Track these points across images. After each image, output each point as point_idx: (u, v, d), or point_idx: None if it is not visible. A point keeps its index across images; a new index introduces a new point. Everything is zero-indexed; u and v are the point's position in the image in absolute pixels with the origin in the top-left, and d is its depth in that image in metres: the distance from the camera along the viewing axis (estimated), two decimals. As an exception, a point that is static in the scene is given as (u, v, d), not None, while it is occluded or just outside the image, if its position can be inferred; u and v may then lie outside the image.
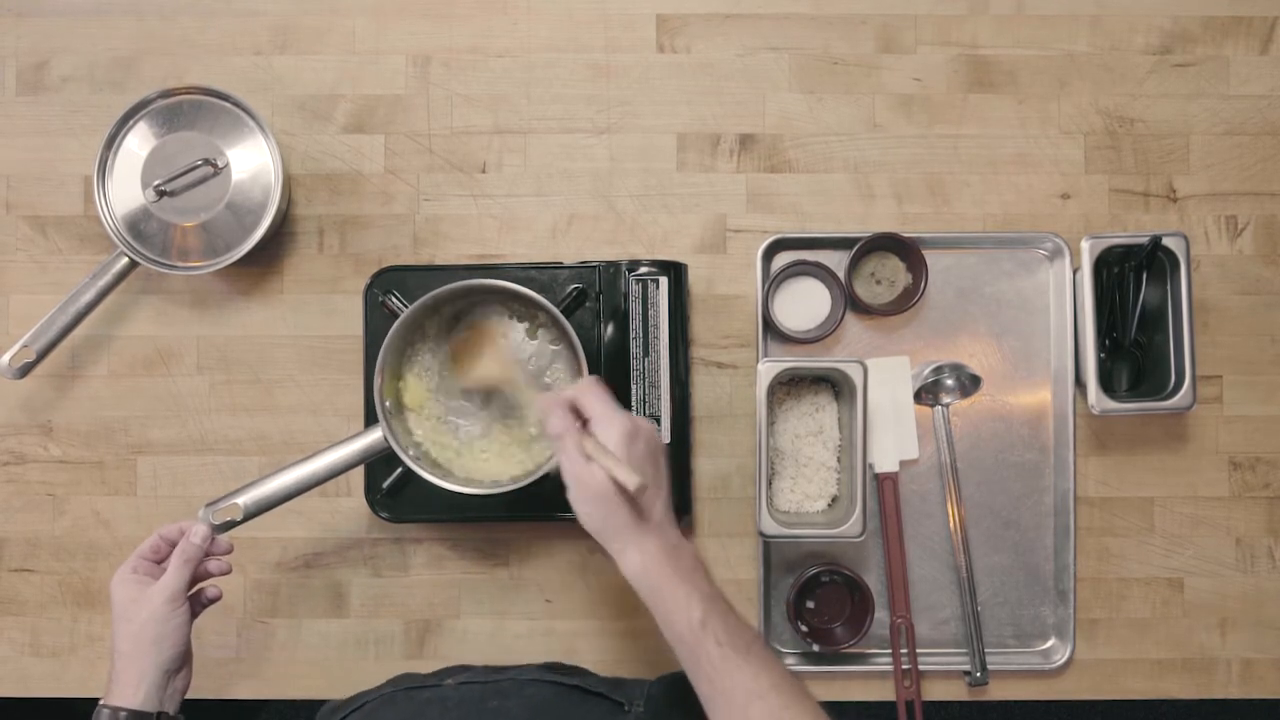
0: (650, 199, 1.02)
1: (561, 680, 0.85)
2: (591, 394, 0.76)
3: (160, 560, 0.83)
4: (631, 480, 0.71)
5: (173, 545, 0.83)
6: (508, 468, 0.94)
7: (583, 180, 1.02)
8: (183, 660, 0.81)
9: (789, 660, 1.00)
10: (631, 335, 0.95)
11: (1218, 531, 1.02)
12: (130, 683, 0.78)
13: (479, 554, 1.01)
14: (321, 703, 0.91)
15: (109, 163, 0.96)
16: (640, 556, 0.72)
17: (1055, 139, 1.03)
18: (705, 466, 1.01)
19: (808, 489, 0.98)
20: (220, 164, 0.95)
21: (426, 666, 0.95)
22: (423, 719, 0.79)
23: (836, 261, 1.00)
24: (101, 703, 0.78)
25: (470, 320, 0.96)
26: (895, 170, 1.02)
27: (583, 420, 0.76)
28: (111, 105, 0.98)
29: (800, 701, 0.68)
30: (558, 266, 0.96)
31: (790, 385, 0.99)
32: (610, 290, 0.95)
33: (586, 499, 0.73)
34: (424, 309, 0.92)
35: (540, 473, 0.89)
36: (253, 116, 0.96)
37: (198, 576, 0.83)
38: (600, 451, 0.73)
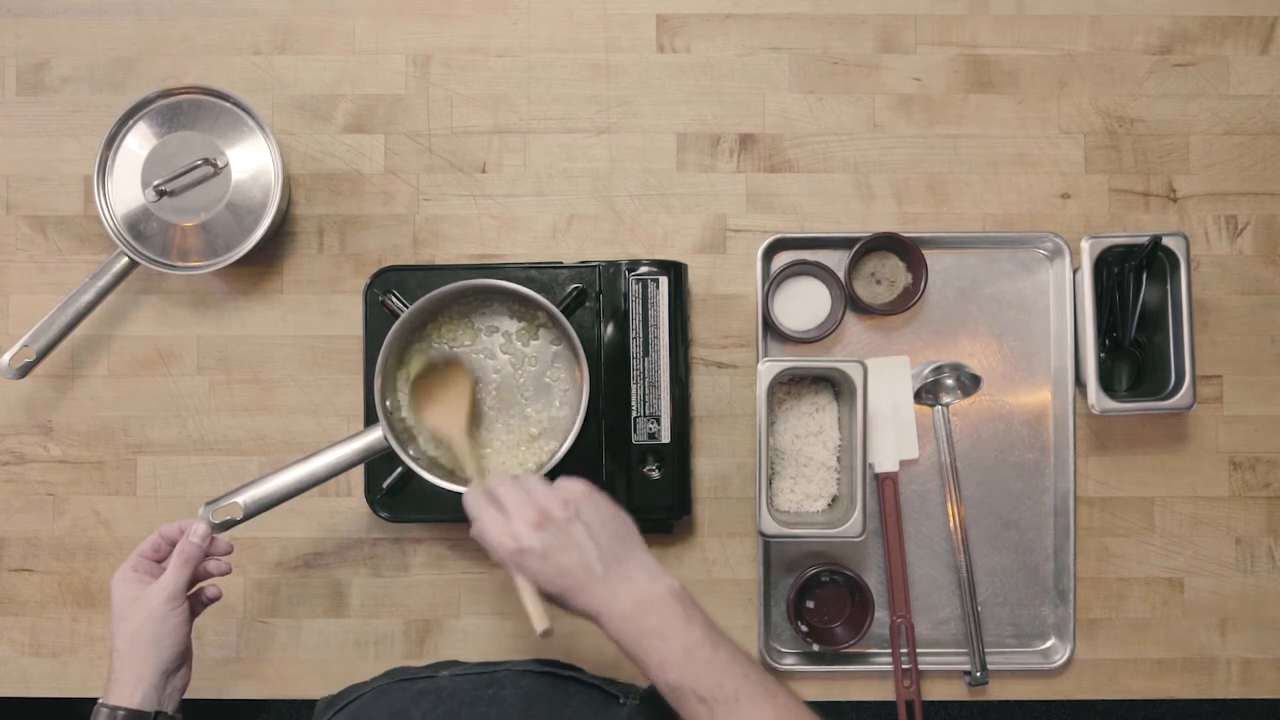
0: (650, 199, 1.02)
1: (556, 671, 0.85)
2: (478, 515, 0.76)
3: (161, 559, 0.83)
4: (538, 625, 0.71)
5: (173, 544, 0.83)
6: (509, 466, 0.94)
7: (583, 180, 1.03)
8: (181, 660, 0.81)
9: (788, 660, 1.00)
10: (631, 335, 0.95)
11: (1218, 531, 1.02)
12: (128, 682, 0.78)
13: (479, 554, 1.01)
14: (321, 703, 0.91)
15: (109, 163, 0.96)
16: (608, 628, 0.71)
17: (1055, 139, 1.03)
18: (705, 466, 1.01)
19: (808, 489, 0.98)
20: (220, 164, 0.95)
21: (419, 665, 0.95)
22: (417, 709, 0.79)
23: (836, 261, 1.00)
24: (100, 702, 0.78)
25: (443, 354, 0.95)
26: (895, 170, 1.02)
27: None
28: (111, 105, 0.98)
29: None
30: (558, 266, 0.96)
31: (790, 385, 0.99)
32: (610, 290, 0.95)
33: (533, 595, 0.73)
34: (424, 309, 0.92)
35: (541, 472, 0.89)
36: (253, 116, 0.96)
37: (197, 576, 0.83)
38: (517, 581, 0.73)
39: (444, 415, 0.90)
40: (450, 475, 0.91)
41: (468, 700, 0.79)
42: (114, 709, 0.77)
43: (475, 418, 0.94)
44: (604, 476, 0.95)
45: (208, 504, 0.86)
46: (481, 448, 0.95)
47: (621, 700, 0.83)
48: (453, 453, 0.90)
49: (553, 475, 0.81)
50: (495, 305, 0.96)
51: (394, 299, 0.95)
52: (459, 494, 0.87)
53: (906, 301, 0.99)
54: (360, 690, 0.86)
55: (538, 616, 0.72)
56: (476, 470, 0.84)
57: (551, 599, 0.73)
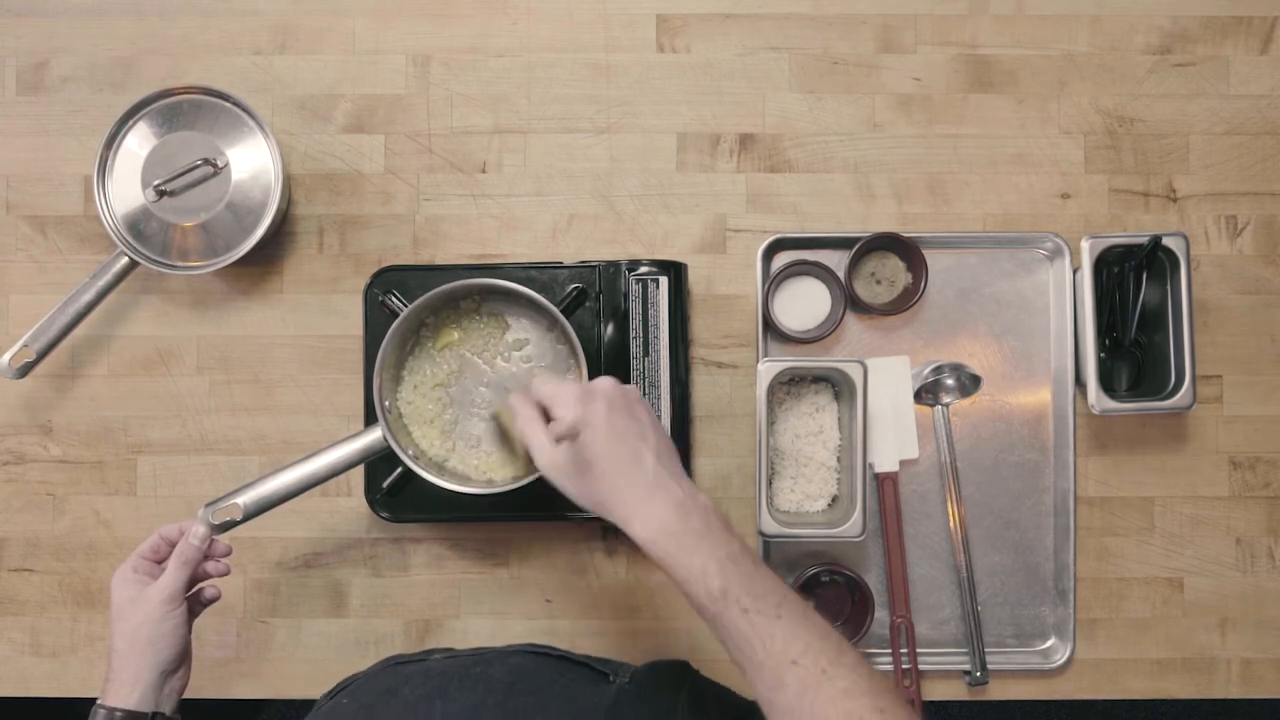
0: (650, 199, 1.02)
1: (547, 652, 0.85)
2: (540, 382, 0.75)
3: (160, 560, 0.83)
4: (564, 424, 0.69)
5: (173, 545, 0.83)
6: (508, 467, 0.94)
7: (583, 180, 1.03)
8: (179, 661, 0.81)
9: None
10: (631, 335, 0.95)
11: (1218, 531, 1.02)
12: (126, 682, 0.78)
13: (479, 554, 1.01)
14: (321, 703, 0.91)
15: (109, 163, 0.96)
16: (643, 527, 0.68)
17: (1055, 139, 1.03)
18: (705, 466, 1.01)
19: (808, 489, 0.98)
20: (220, 164, 0.95)
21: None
22: (408, 687, 0.79)
23: (836, 261, 1.00)
24: (98, 702, 0.78)
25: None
26: (895, 170, 1.02)
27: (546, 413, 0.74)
28: (111, 105, 0.98)
29: (839, 659, 0.62)
30: (558, 266, 0.96)
31: (790, 385, 0.99)
32: (610, 290, 0.95)
33: (565, 479, 0.71)
34: (423, 308, 0.92)
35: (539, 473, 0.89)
36: (253, 116, 0.96)
37: (197, 577, 0.83)
38: (557, 429, 0.71)
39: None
40: (446, 473, 0.91)
41: (456, 677, 0.79)
42: (111, 710, 0.77)
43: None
44: (604, 476, 0.95)
45: (207, 505, 0.86)
46: (471, 446, 0.95)
47: (611, 678, 0.82)
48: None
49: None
50: (498, 305, 0.96)
51: (394, 299, 0.95)
52: (459, 494, 0.88)
53: (906, 301, 0.99)
54: (355, 678, 0.87)
55: (560, 429, 0.70)
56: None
57: (588, 482, 0.70)
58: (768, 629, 0.63)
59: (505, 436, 0.88)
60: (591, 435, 0.70)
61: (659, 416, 0.95)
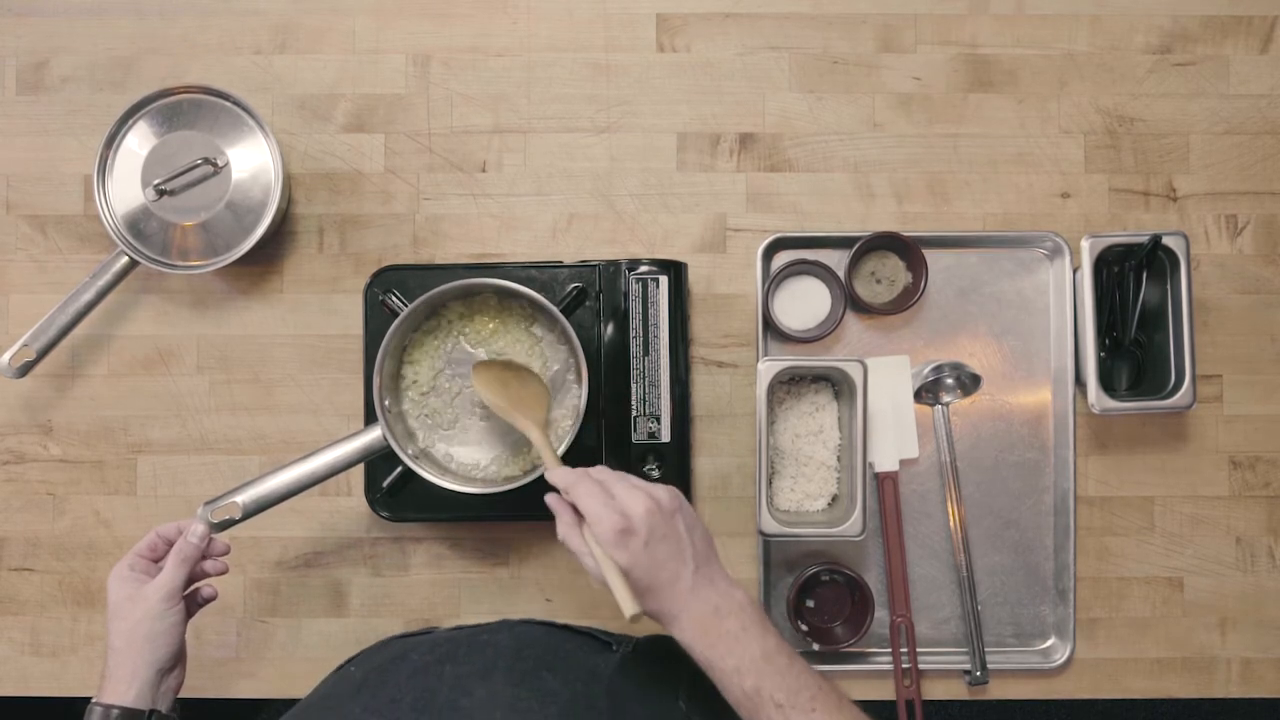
0: (650, 198, 1.02)
1: (551, 623, 0.87)
2: (581, 489, 0.73)
3: (158, 559, 0.83)
4: (627, 609, 0.70)
5: (170, 544, 0.83)
6: (508, 467, 0.94)
7: (583, 180, 1.03)
8: (176, 659, 0.81)
9: (789, 660, 1.00)
10: (631, 335, 0.95)
11: (1218, 531, 1.02)
12: (123, 680, 0.78)
13: (479, 554, 1.01)
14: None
15: (109, 162, 0.96)
16: (682, 633, 0.71)
17: (1055, 138, 1.03)
18: (705, 466, 1.01)
19: (808, 488, 0.98)
20: (220, 163, 0.95)
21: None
22: (415, 653, 0.80)
23: (836, 261, 1.00)
24: (94, 700, 0.78)
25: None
26: (895, 170, 1.02)
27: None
28: (111, 105, 0.98)
29: None
30: (558, 266, 0.96)
31: (790, 384, 0.99)
32: (610, 290, 0.95)
33: (620, 578, 0.72)
34: (423, 308, 0.92)
35: (540, 472, 0.89)
36: (253, 116, 0.96)
37: (194, 576, 0.83)
38: (605, 563, 0.71)
39: (518, 406, 0.88)
40: (446, 473, 0.91)
41: (464, 644, 0.80)
42: (108, 707, 0.77)
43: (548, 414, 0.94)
44: (604, 476, 0.95)
45: (206, 504, 0.86)
46: (471, 445, 0.95)
47: (614, 648, 0.84)
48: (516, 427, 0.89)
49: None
50: (496, 305, 0.96)
51: (394, 298, 0.95)
52: (459, 493, 0.88)
53: (906, 301, 0.99)
54: (360, 653, 0.88)
55: (626, 600, 0.70)
56: (555, 459, 0.82)
57: (636, 590, 0.71)
58: None
59: (500, 412, 0.88)
60: (635, 572, 0.71)
61: (659, 416, 0.95)
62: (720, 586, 0.72)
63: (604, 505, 0.72)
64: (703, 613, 0.71)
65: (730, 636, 0.70)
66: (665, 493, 0.74)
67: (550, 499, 0.78)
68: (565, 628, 0.86)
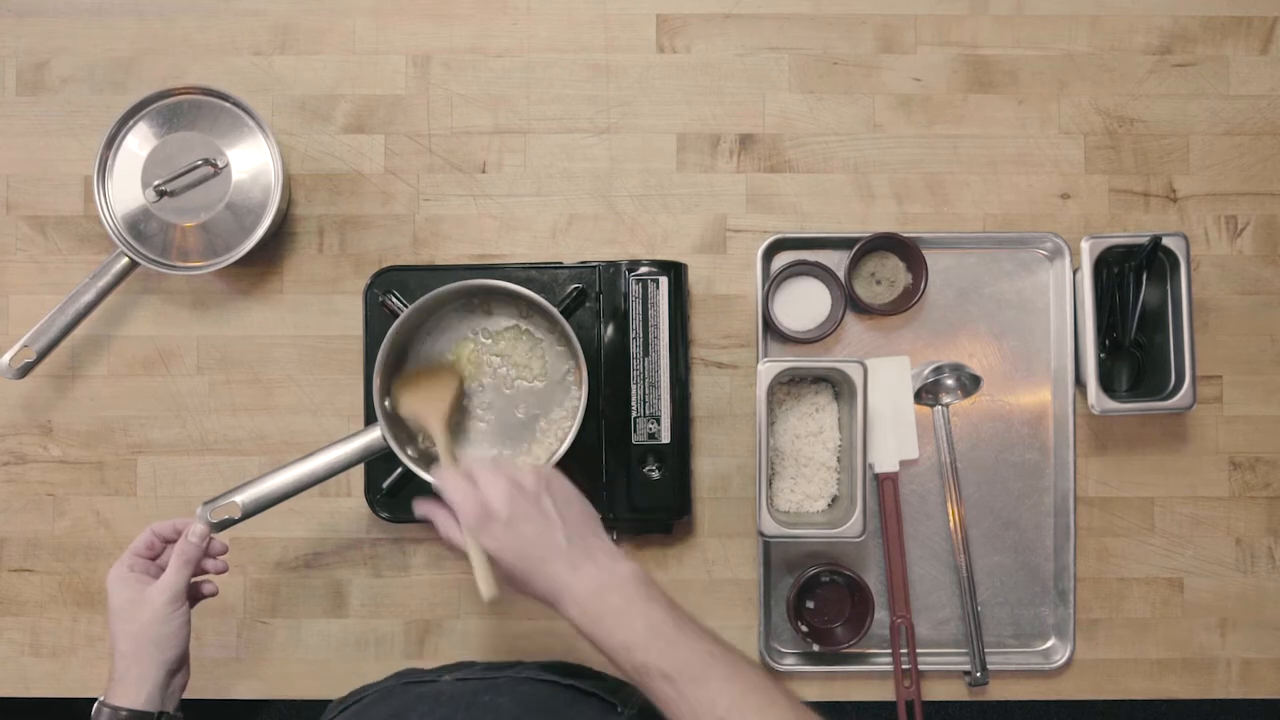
0: (650, 199, 1.02)
1: (558, 680, 0.85)
2: (447, 484, 0.75)
3: (155, 557, 0.83)
4: (485, 591, 0.71)
5: (166, 542, 0.83)
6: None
7: (583, 180, 1.02)
8: (183, 659, 0.81)
9: (788, 660, 1.00)
10: (631, 335, 0.95)
11: (1218, 531, 1.02)
12: (132, 682, 0.77)
13: (479, 554, 1.01)
14: (322, 703, 0.91)
15: (109, 163, 0.96)
16: (568, 613, 0.70)
17: (1055, 139, 1.03)
18: (705, 466, 1.01)
19: (808, 489, 0.98)
20: (220, 164, 0.95)
21: (427, 666, 0.95)
22: (414, 713, 0.79)
23: (836, 261, 1.00)
24: (101, 701, 0.78)
25: (437, 361, 0.95)
26: (895, 170, 1.02)
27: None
28: (111, 105, 0.98)
29: (768, 709, 0.64)
30: (557, 266, 0.96)
31: (790, 385, 0.99)
32: (610, 290, 0.95)
33: (509, 591, 0.73)
34: (423, 309, 0.92)
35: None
36: (253, 116, 0.96)
37: (195, 574, 0.83)
38: (471, 549, 0.72)
39: (424, 403, 0.89)
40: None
41: (464, 704, 0.79)
42: (116, 709, 0.77)
43: (457, 415, 0.94)
44: (604, 476, 0.95)
45: (205, 503, 0.86)
46: (472, 446, 0.95)
47: (619, 710, 0.82)
48: (429, 438, 0.90)
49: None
50: (497, 305, 0.96)
51: (394, 299, 0.95)
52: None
53: (906, 301, 0.99)
54: (367, 691, 0.87)
55: (486, 582, 0.71)
56: (450, 457, 0.84)
57: (510, 578, 0.72)
58: (692, 693, 0.65)
59: (413, 421, 0.91)
60: (502, 555, 0.71)
61: (659, 416, 0.95)
62: (601, 561, 0.71)
63: (465, 494, 0.72)
64: (584, 590, 0.70)
65: (614, 612, 0.68)
66: (530, 474, 0.74)
67: (419, 506, 0.78)
68: (571, 687, 0.85)
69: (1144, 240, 0.96)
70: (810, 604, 0.99)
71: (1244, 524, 1.02)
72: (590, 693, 0.84)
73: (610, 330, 0.95)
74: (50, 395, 1.02)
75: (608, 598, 0.70)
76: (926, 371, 0.99)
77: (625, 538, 1.00)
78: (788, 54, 1.03)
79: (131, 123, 0.96)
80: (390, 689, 0.86)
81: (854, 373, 0.93)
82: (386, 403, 0.91)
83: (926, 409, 1.00)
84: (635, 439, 0.94)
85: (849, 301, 0.99)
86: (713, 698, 0.65)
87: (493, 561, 0.73)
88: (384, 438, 0.88)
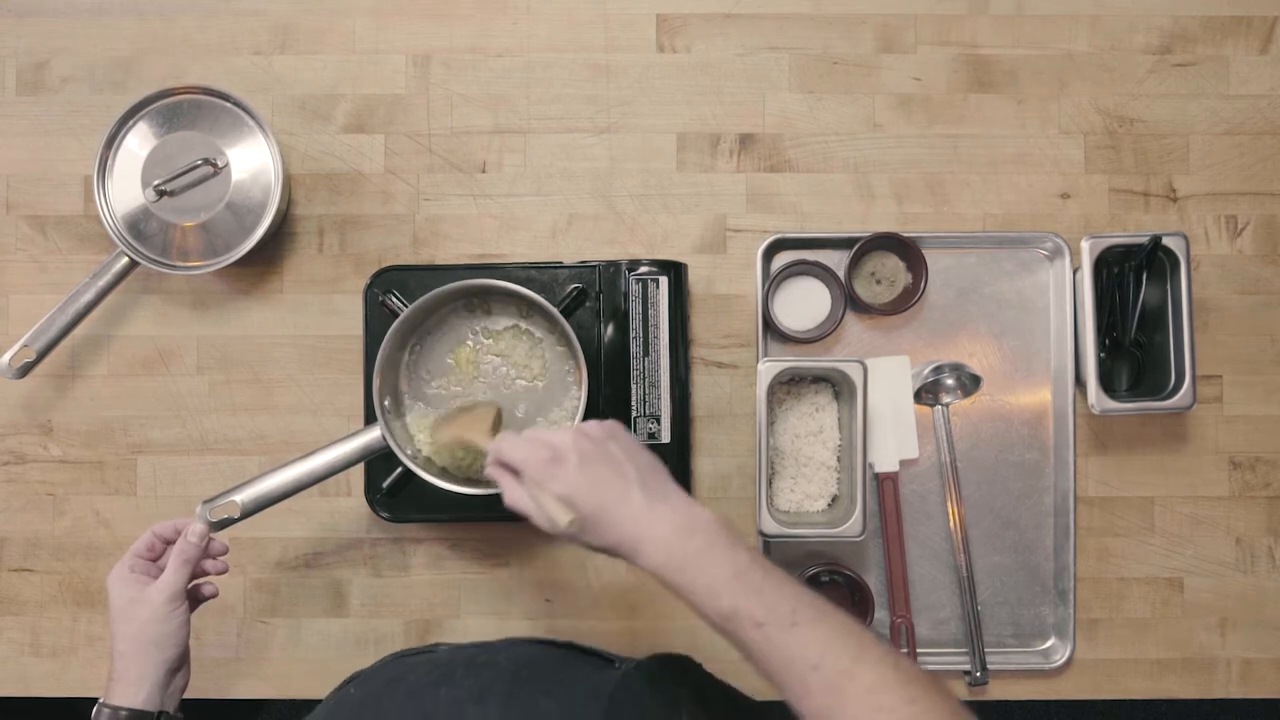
0: (650, 199, 1.02)
1: (552, 641, 0.85)
2: (505, 445, 0.71)
3: (156, 558, 0.83)
4: (560, 518, 0.67)
5: (167, 543, 0.83)
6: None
7: (583, 180, 1.03)
8: (183, 659, 0.81)
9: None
10: (631, 335, 0.95)
11: (1218, 531, 1.02)
12: (132, 682, 0.77)
13: (479, 554, 1.01)
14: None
15: (109, 162, 0.96)
16: (646, 560, 0.66)
17: (1055, 139, 1.03)
18: (705, 466, 1.01)
19: (808, 489, 0.98)
20: (220, 164, 0.95)
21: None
22: (414, 675, 0.79)
23: (836, 261, 1.00)
24: (101, 701, 0.78)
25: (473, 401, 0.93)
26: (895, 170, 1.02)
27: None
28: (111, 105, 0.98)
29: (862, 655, 0.61)
30: (558, 266, 0.96)
31: (790, 385, 0.99)
32: (610, 290, 0.95)
33: (572, 537, 0.69)
34: (423, 309, 0.92)
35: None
36: (253, 116, 0.96)
37: (196, 575, 0.83)
38: (539, 493, 0.69)
39: (464, 427, 0.86)
40: (446, 473, 0.91)
41: (461, 665, 0.79)
42: (116, 709, 0.77)
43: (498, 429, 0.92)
44: (604, 476, 0.95)
45: (205, 502, 0.86)
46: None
47: (616, 665, 0.82)
48: (474, 450, 0.88)
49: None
50: (496, 305, 0.96)
51: (394, 299, 0.95)
52: (459, 494, 0.88)
53: (906, 301, 0.99)
54: (362, 671, 0.88)
55: (557, 510, 0.67)
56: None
57: (582, 525, 0.68)
58: (783, 639, 0.62)
59: (455, 444, 0.88)
60: (574, 498, 0.68)
61: (659, 416, 0.95)
62: (677, 504, 0.68)
63: (529, 445, 0.70)
64: (664, 533, 0.66)
65: (698, 555, 0.65)
66: (593, 423, 0.72)
67: (489, 469, 0.74)
68: (567, 646, 0.85)
69: (1144, 240, 0.96)
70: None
71: (1244, 524, 1.02)
72: (585, 650, 0.84)
73: (610, 330, 0.95)
74: (50, 395, 1.02)
75: (690, 540, 0.66)
76: (926, 371, 0.99)
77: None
78: (788, 54, 1.03)
79: (131, 122, 0.96)
80: (385, 664, 0.87)
81: (854, 372, 0.93)
82: (387, 402, 0.91)
83: (926, 409, 1.00)
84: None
85: (849, 301, 0.99)
86: (806, 642, 0.62)
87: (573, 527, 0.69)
88: (384, 437, 0.88)
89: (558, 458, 0.68)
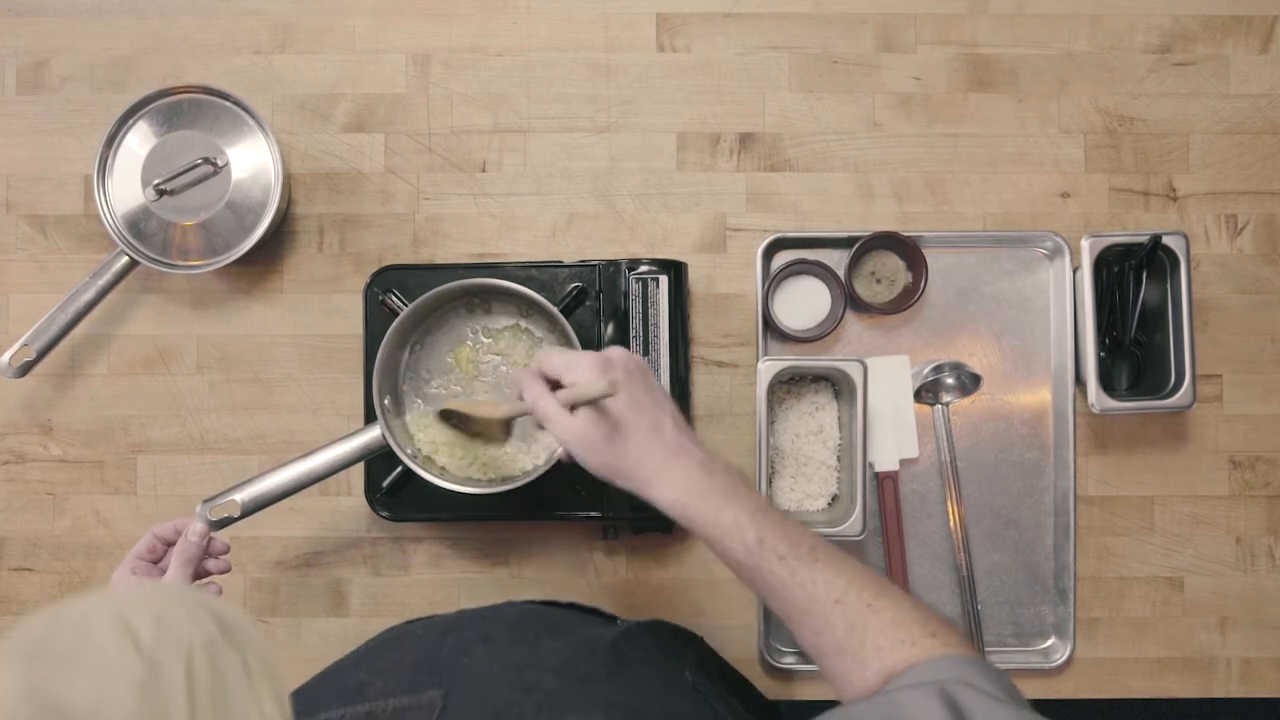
0: (650, 198, 1.02)
1: (555, 601, 0.87)
2: (549, 356, 0.73)
3: (157, 560, 0.83)
4: (597, 387, 0.67)
5: (168, 544, 0.83)
6: (507, 465, 0.94)
7: (583, 179, 1.03)
8: (185, 661, 0.81)
9: (788, 659, 1.00)
10: (631, 334, 0.95)
11: (1218, 531, 1.02)
12: None
13: (479, 553, 1.01)
14: (321, 702, 0.91)
15: (109, 162, 0.96)
16: (669, 488, 0.67)
17: (1055, 138, 1.03)
18: (705, 466, 1.01)
19: (808, 488, 0.98)
20: (220, 163, 0.95)
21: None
22: (419, 628, 0.80)
23: (836, 260, 1.00)
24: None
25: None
26: (895, 169, 1.02)
27: (554, 385, 0.72)
28: (111, 105, 0.98)
29: (882, 593, 0.62)
30: (558, 265, 0.96)
31: (790, 384, 0.99)
32: (610, 289, 0.95)
33: (587, 448, 0.69)
34: (423, 308, 0.92)
35: (540, 471, 0.89)
36: (253, 115, 0.96)
37: (198, 575, 0.83)
38: (573, 394, 0.69)
39: (478, 405, 0.87)
40: (446, 473, 0.91)
41: (467, 619, 0.80)
42: None
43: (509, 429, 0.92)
44: (604, 476, 0.95)
45: (205, 501, 0.86)
46: (487, 448, 0.95)
47: (618, 622, 0.83)
48: (477, 439, 0.89)
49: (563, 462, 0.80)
50: (496, 304, 0.96)
51: (394, 298, 0.95)
52: (458, 493, 0.88)
53: (906, 301, 0.99)
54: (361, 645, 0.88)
55: (595, 388, 0.67)
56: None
57: (610, 441, 0.68)
58: (807, 573, 0.63)
59: (465, 423, 0.88)
60: (614, 402, 0.69)
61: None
62: (700, 445, 0.70)
63: (577, 355, 0.71)
64: (690, 466, 0.68)
65: (723, 490, 0.67)
66: (635, 355, 0.73)
67: (518, 373, 0.74)
68: (571, 605, 0.86)
69: (1144, 239, 0.96)
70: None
71: (1244, 523, 1.02)
72: (586, 609, 0.85)
73: (610, 329, 0.95)
74: (50, 394, 1.02)
75: (716, 477, 0.68)
76: (926, 370, 0.99)
77: (625, 537, 1.00)
78: (788, 53, 1.03)
79: (131, 122, 0.96)
80: (391, 627, 0.88)
81: (854, 371, 0.93)
82: (387, 402, 0.91)
83: (926, 408, 1.00)
84: (635, 438, 0.94)
85: (849, 300, 0.99)
86: (829, 577, 0.63)
87: (596, 434, 0.69)
88: (384, 436, 0.88)
89: (610, 363, 0.70)
